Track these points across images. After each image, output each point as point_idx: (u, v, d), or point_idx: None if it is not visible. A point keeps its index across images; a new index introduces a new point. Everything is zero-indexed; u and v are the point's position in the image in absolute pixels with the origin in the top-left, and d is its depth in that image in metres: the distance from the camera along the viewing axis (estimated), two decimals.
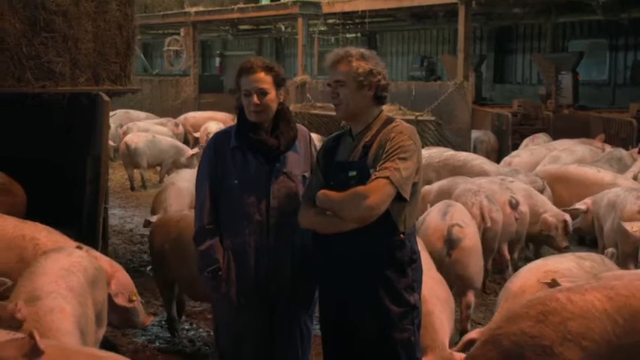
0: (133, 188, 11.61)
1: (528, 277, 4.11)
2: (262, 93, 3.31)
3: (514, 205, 6.48)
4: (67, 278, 3.58)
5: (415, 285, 3.19)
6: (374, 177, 3.00)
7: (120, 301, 4.24)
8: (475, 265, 5.25)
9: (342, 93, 3.16)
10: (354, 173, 3.11)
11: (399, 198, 3.03)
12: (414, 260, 3.19)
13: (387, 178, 2.97)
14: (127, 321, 4.44)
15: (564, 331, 2.97)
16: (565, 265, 4.19)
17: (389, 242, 3.11)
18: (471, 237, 5.29)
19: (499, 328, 3.11)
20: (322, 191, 3.14)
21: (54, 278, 3.52)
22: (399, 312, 3.13)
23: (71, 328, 3.25)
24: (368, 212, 2.98)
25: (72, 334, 3.20)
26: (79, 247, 4.11)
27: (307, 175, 3.45)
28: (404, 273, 3.14)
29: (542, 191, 7.39)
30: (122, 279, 4.34)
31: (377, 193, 2.96)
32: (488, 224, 5.98)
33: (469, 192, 6.29)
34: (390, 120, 3.21)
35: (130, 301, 4.31)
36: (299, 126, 3.51)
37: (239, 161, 3.36)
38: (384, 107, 3.31)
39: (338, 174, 3.19)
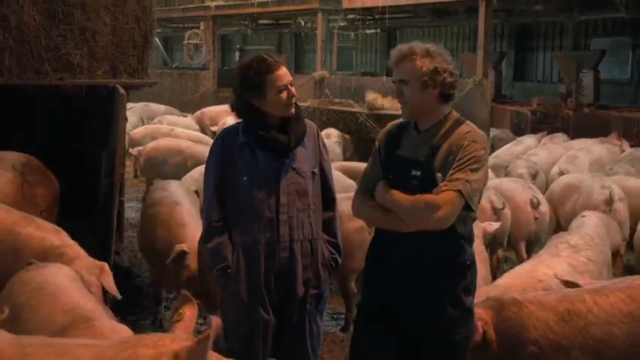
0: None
1: None
2: (292, 85, 3.33)
3: (535, 205, 6.50)
4: (85, 292, 3.57)
5: (472, 288, 3.13)
6: (444, 187, 2.90)
7: None
8: (482, 269, 5.23)
9: (407, 92, 3.04)
10: (418, 173, 3.00)
11: (465, 207, 2.95)
12: (473, 263, 3.12)
13: (459, 191, 2.88)
14: None
15: (586, 336, 2.99)
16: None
17: (451, 246, 3.03)
18: (477, 244, 5.27)
19: (532, 303, 3.17)
20: (387, 188, 3.04)
21: (79, 294, 3.47)
22: (457, 315, 3.05)
23: None
24: (437, 224, 2.90)
25: None
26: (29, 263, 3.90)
27: (316, 171, 3.41)
28: (463, 277, 3.07)
29: (535, 177, 8.04)
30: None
31: (448, 205, 2.87)
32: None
33: None
34: (460, 121, 3.07)
35: None
36: (307, 121, 3.47)
37: (248, 157, 3.33)
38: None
39: (400, 169, 3.07)
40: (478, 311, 3.12)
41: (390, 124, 3.28)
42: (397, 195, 2.98)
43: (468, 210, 2.95)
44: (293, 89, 3.32)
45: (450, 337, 3.05)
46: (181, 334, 2.68)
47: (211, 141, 9.67)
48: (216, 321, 2.81)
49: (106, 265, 4.12)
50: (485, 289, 3.94)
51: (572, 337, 2.99)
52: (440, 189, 2.90)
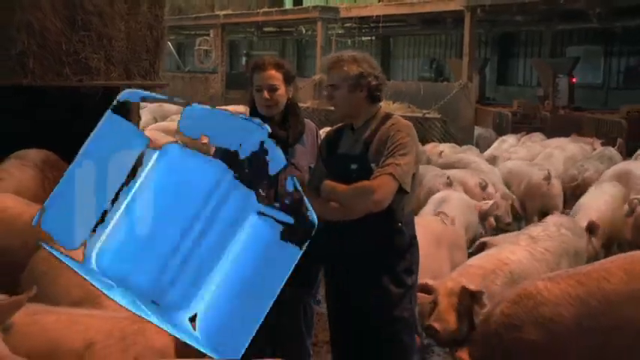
0: None
1: None
2: (272, 89, 3.29)
3: (483, 187, 6.70)
4: None
5: (414, 267, 3.18)
6: (378, 173, 2.97)
7: None
8: (461, 255, 5.23)
9: (337, 95, 3.14)
10: (355, 166, 3.09)
11: (399, 190, 3.00)
12: (413, 245, 3.17)
13: (391, 174, 2.95)
14: None
15: (536, 315, 3.00)
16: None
17: (388, 231, 3.08)
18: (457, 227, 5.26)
19: (493, 308, 3.18)
20: (328, 182, 3.10)
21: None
22: (398, 293, 3.11)
23: None
24: (374, 206, 2.97)
25: None
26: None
27: (313, 166, 3.42)
28: (402, 258, 3.12)
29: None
30: None
31: (383, 188, 2.94)
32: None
33: (436, 177, 6.79)
34: (387, 117, 3.17)
35: None
36: (307, 121, 3.48)
37: None
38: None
39: (340, 165, 3.15)
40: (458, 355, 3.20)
41: (329, 130, 3.40)
42: (338, 186, 3.05)
43: (402, 192, 3.01)
44: (273, 95, 3.28)
45: (394, 313, 3.11)
46: None
47: None
48: None
49: None
50: (455, 271, 3.98)
51: (523, 316, 3.01)
52: (374, 175, 2.98)
